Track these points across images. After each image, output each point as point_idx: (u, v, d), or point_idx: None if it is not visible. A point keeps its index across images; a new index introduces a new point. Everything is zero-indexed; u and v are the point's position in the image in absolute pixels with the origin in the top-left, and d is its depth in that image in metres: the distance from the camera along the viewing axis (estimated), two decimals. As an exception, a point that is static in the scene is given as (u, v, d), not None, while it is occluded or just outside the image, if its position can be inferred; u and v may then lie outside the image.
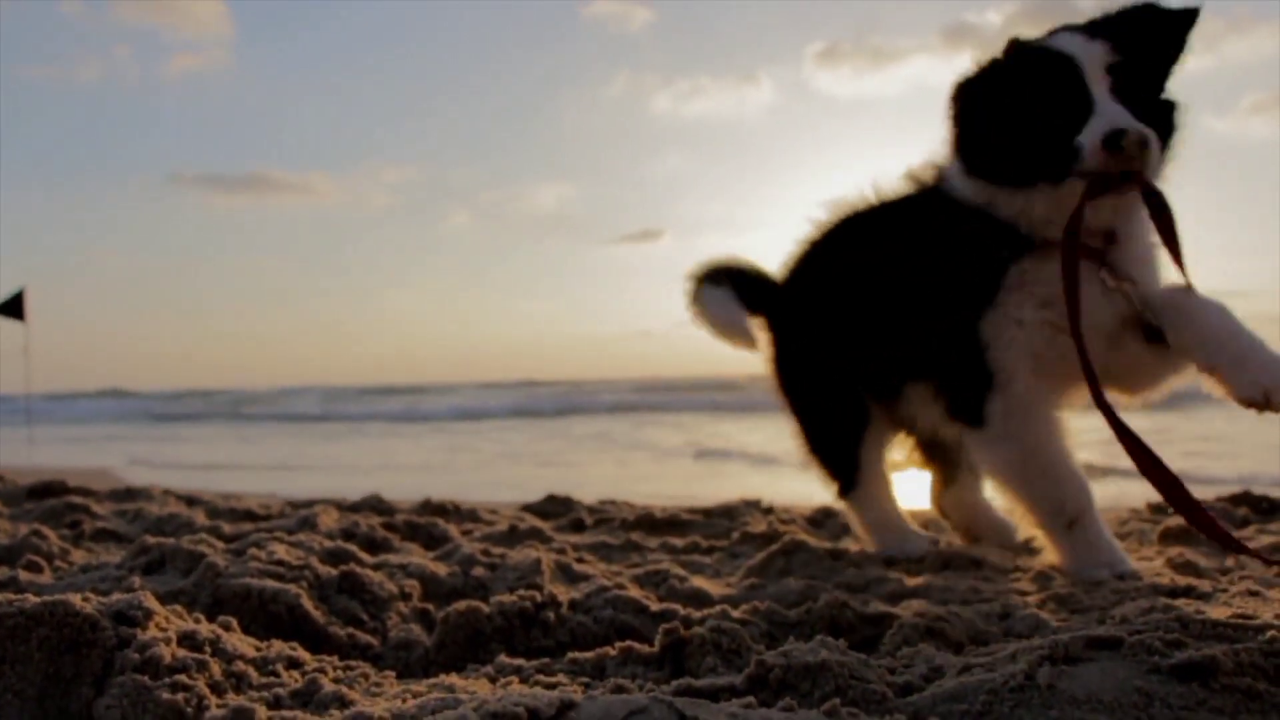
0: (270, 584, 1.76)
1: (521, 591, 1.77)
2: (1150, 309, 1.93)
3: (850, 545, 2.48)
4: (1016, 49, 1.97)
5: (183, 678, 1.26)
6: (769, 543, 2.40)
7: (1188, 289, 1.93)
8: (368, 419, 18.75)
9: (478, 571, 2.05)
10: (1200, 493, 3.29)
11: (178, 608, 1.52)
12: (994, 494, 2.50)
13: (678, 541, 2.70)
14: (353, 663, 1.52)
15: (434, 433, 13.59)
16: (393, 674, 1.49)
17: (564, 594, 1.80)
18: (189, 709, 1.22)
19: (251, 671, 1.36)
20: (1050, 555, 2.08)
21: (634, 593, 1.84)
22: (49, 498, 3.34)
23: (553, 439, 11.72)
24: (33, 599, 1.30)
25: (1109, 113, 1.83)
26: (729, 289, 2.58)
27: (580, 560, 2.26)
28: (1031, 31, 2.05)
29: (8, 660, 1.25)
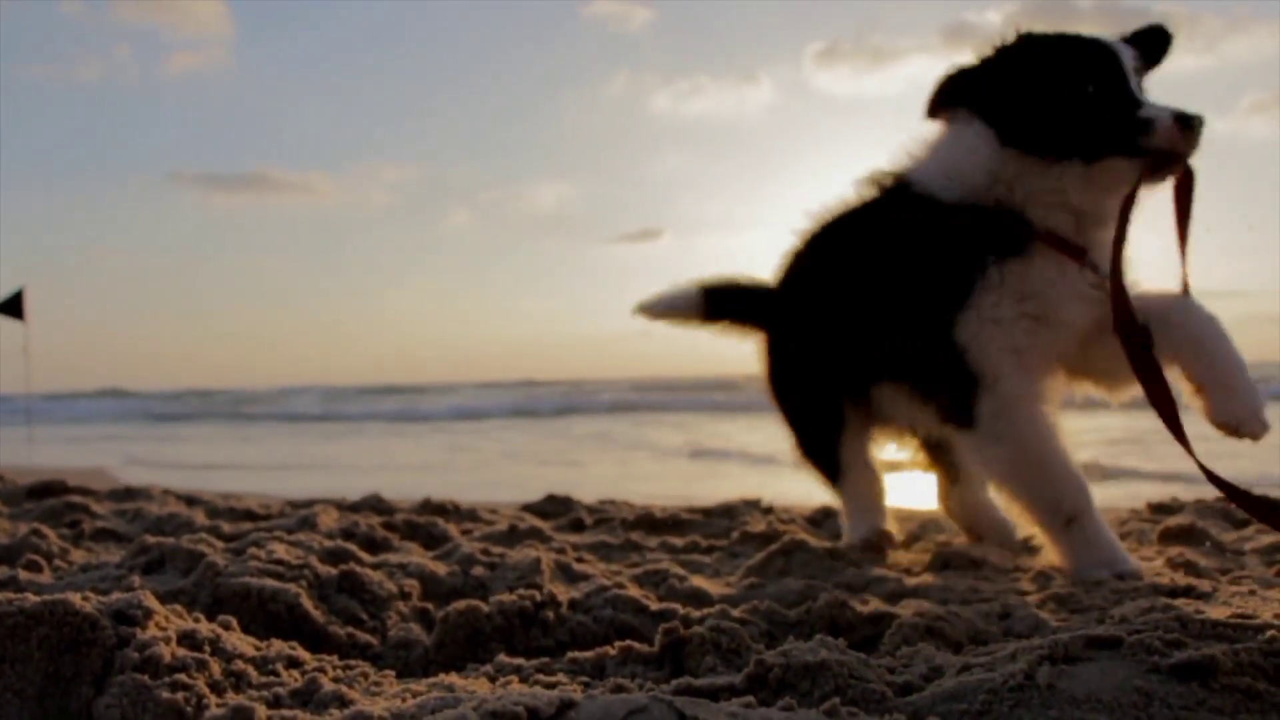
0: (270, 583, 1.76)
1: (521, 591, 1.77)
2: (1141, 311, 1.95)
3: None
4: (1057, 36, 2.05)
5: (182, 677, 1.26)
6: (769, 542, 2.40)
7: (1186, 298, 1.96)
8: (368, 419, 18.75)
9: (477, 571, 2.05)
10: (1201, 493, 3.29)
11: (177, 607, 1.52)
12: (997, 494, 2.51)
13: (677, 541, 2.70)
14: (352, 662, 1.52)
15: (434, 433, 13.59)
16: (392, 673, 1.49)
17: (564, 593, 1.80)
18: (189, 708, 1.22)
19: (251, 671, 1.36)
20: (1051, 555, 2.07)
21: (634, 592, 1.84)
22: (49, 497, 3.34)
23: (553, 439, 11.72)
24: (32, 598, 1.30)
25: (1155, 103, 1.95)
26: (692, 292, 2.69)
27: (580, 560, 2.27)
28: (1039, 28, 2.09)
29: (7, 659, 1.25)
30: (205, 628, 1.42)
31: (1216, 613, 1.30)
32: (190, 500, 3.54)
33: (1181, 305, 1.96)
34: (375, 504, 3.17)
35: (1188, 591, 1.74)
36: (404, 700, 1.24)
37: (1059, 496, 2.00)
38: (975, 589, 1.93)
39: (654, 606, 1.77)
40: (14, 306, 11.61)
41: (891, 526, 2.50)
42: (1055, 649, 1.19)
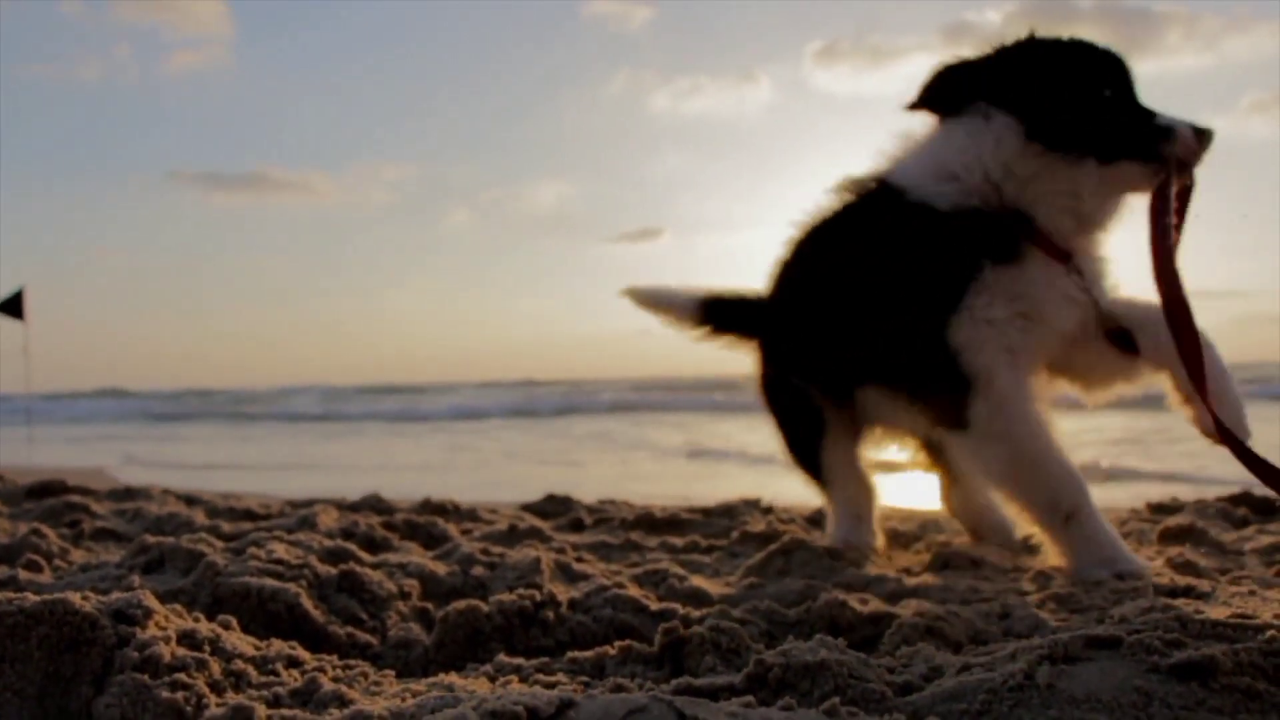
0: (269, 583, 1.76)
1: (521, 591, 1.77)
2: (1125, 319, 2.04)
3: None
4: (1070, 40, 2.08)
5: (182, 676, 1.26)
6: (768, 542, 2.40)
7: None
8: (368, 419, 18.75)
9: (477, 571, 2.05)
10: (1200, 493, 3.30)
11: (177, 606, 1.52)
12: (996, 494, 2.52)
13: (677, 541, 2.70)
14: (352, 662, 1.52)
15: (434, 433, 13.59)
16: (392, 673, 1.49)
17: (563, 593, 1.80)
18: (188, 707, 1.22)
19: (251, 670, 1.36)
20: (1051, 554, 2.07)
21: (633, 592, 1.84)
22: (48, 497, 3.34)
23: (553, 439, 11.72)
24: (32, 598, 1.30)
25: (1168, 116, 2.02)
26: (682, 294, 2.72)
27: (580, 560, 2.27)
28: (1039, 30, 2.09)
29: (7, 659, 1.25)
30: (205, 627, 1.43)
31: (1216, 613, 1.30)
32: (190, 500, 3.54)
33: (1148, 314, 2.03)
34: (375, 504, 3.17)
35: (1188, 591, 1.74)
36: (404, 700, 1.24)
37: (1056, 493, 2.00)
38: (975, 589, 1.93)
39: (654, 606, 1.77)
40: (14, 306, 11.62)
41: (877, 534, 2.48)
42: (1055, 649, 1.19)
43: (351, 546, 2.09)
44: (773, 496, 3.49)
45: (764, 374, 2.58)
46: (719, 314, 2.66)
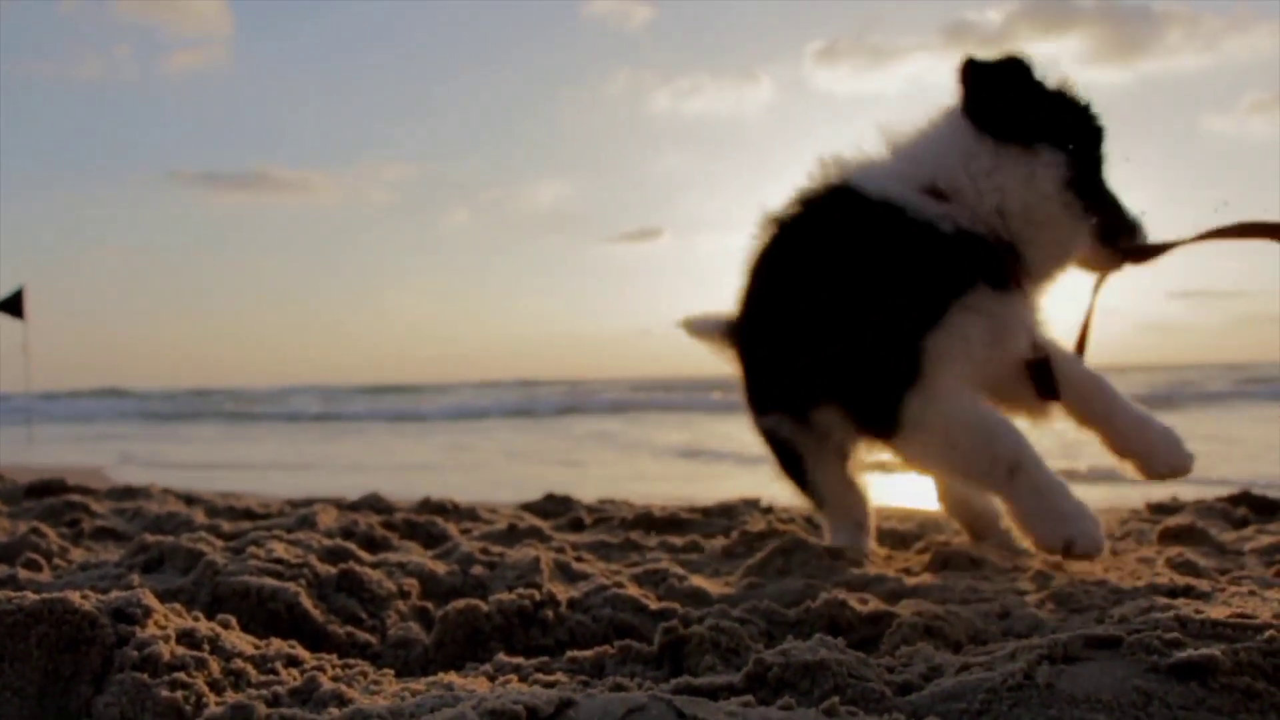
0: (269, 582, 1.76)
1: (520, 590, 1.77)
2: (1060, 370, 2.15)
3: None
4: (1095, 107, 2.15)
5: (182, 675, 1.26)
6: (768, 542, 2.40)
7: (1079, 361, 2.21)
8: (367, 418, 18.75)
9: (476, 570, 2.05)
10: (1200, 493, 3.30)
11: (177, 606, 1.52)
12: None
13: (677, 540, 2.70)
14: (351, 661, 1.52)
15: (434, 432, 13.59)
16: (391, 672, 1.49)
17: (563, 593, 1.80)
18: (188, 707, 1.22)
19: (250, 669, 1.36)
20: (1010, 521, 2.05)
21: (633, 591, 1.84)
22: (48, 496, 3.34)
23: (553, 439, 11.72)
24: (32, 597, 1.30)
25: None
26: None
27: (579, 559, 2.26)
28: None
29: (7, 658, 1.25)
30: (204, 626, 1.43)
31: (1216, 613, 1.30)
32: (189, 499, 3.54)
33: (1083, 373, 2.17)
34: (374, 503, 3.17)
35: (1187, 591, 1.74)
36: (403, 699, 1.24)
37: (995, 446, 1.97)
38: (974, 589, 1.93)
39: (653, 606, 1.77)
40: (14, 305, 11.62)
41: (871, 539, 2.47)
42: (1054, 648, 1.19)
43: (351, 546, 2.09)
44: (772, 496, 3.49)
45: (746, 390, 2.52)
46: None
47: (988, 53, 2.12)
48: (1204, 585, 1.78)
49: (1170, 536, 2.45)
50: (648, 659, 1.46)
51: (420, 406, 22.79)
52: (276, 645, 1.48)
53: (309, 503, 3.31)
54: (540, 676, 1.40)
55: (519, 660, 1.49)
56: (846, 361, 2.08)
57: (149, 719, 1.21)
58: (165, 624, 1.38)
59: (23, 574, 2.00)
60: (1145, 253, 2.17)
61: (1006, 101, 2.08)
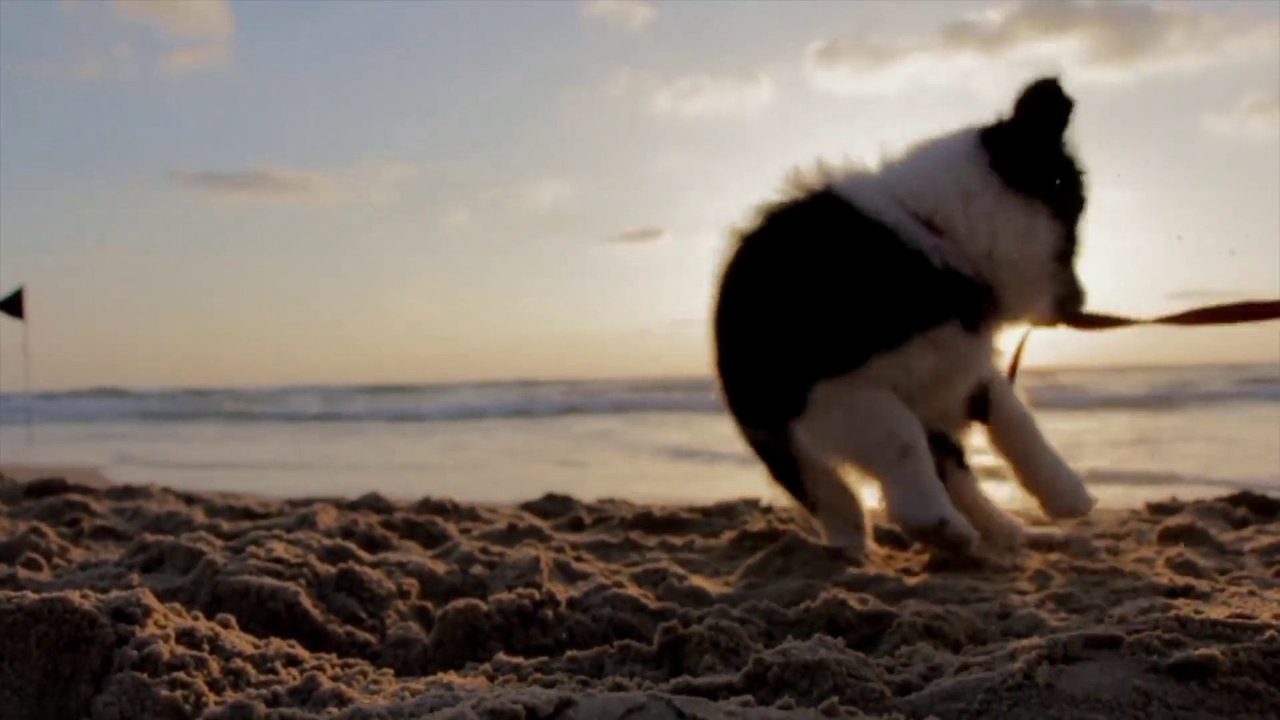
0: (269, 582, 1.76)
1: (520, 590, 1.77)
2: (995, 405, 2.23)
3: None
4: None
5: (181, 675, 1.26)
6: (768, 541, 2.40)
7: (1009, 389, 2.29)
8: (367, 418, 18.75)
9: (476, 570, 2.05)
10: (1200, 493, 3.30)
11: (176, 605, 1.52)
12: (990, 490, 2.53)
13: (676, 540, 2.70)
14: (351, 660, 1.52)
15: (433, 432, 13.59)
16: (391, 672, 1.49)
17: (562, 592, 1.80)
18: (187, 706, 1.22)
19: (250, 669, 1.36)
20: (879, 498, 2.13)
21: (632, 591, 1.84)
22: (48, 495, 3.34)
23: (553, 439, 11.72)
24: (31, 596, 1.30)
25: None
26: None
27: (579, 559, 2.26)
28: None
29: (6, 657, 1.25)
30: (204, 626, 1.43)
31: (1216, 613, 1.30)
32: (189, 499, 3.54)
33: (1014, 407, 2.25)
34: (374, 503, 3.17)
35: (1187, 591, 1.74)
36: (403, 699, 1.24)
37: (892, 429, 2.04)
38: (974, 588, 1.93)
39: (653, 605, 1.77)
40: (14, 305, 11.61)
41: (870, 539, 2.47)
42: (1054, 648, 1.19)
43: (351, 545, 2.09)
44: (772, 497, 3.48)
45: (728, 403, 2.46)
46: None
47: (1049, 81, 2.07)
48: (1204, 585, 1.78)
49: (1170, 536, 2.45)
50: (647, 659, 1.46)
51: (420, 406, 22.79)
52: (276, 645, 1.48)
53: (309, 502, 3.31)
54: (540, 676, 1.40)
55: (518, 660, 1.49)
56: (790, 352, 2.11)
57: (148, 718, 1.21)
58: (165, 623, 1.38)
59: (22, 573, 2.00)
60: (1094, 323, 2.22)
61: (1033, 150, 2.08)
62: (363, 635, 1.71)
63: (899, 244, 2.03)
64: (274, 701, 1.26)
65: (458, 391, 32.11)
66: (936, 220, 2.05)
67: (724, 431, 2.46)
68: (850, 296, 2.04)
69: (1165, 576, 1.91)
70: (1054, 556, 2.25)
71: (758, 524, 2.82)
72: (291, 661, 1.44)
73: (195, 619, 1.48)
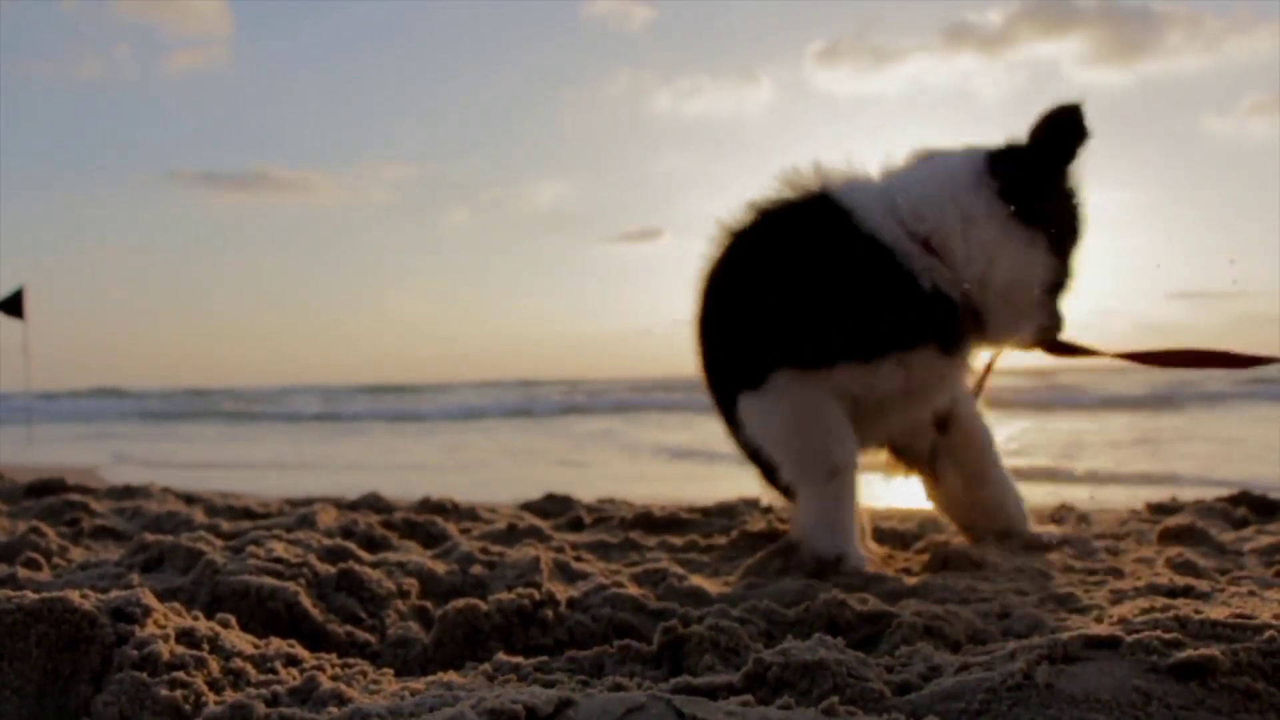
0: (269, 581, 1.76)
1: (520, 589, 1.77)
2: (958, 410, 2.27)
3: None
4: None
5: (181, 675, 1.26)
6: (768, 541, 2.40)
7: (974, 409, 2.33)
8: (367, 418, 18.75)
9: (476, 569, 2.05)
10: (1200, 493, 3.30)
11: (176, 605, 1.52)
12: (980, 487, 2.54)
13: (676, 540, 2.70)
14: (351, 660, 1.52)
15: (433, 432, 13.59)
16: (391, 671, 1.49)
17: (562, 592, 1.80)
18: (187, 706, 1.22)
19: (250, 669, 1.36)
20: (795, 512, 2.15)
21: (632, 591, 1.84)
22: (47, 495, 3.34)
23: (553, 439, 11.72)
24: (31, 596, 1.30)
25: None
26: None
27: (579, 559, 2.26)
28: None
29: (6, 657, 1.25)
30: (204, 626, 1.43)
31: (1215, 613, 1.30)
32: (189, 498, 3.54)
33: (975, 424, 2.28)
34: (374, 502, 3.17)
35: (1187, 591, 1.74)
36: (402, 698, 1.24)
37: (831, 446, 2.06)
38: (974, 588, 1.93)
39: (653, 605, 1.77)
40: (14, 305, 11.61)
41: (868, 538, 2.46)
42: (1054, 648, 1.19)
43: (350, 545, 2.09)
44: (772, 496, 3.48)
45: (717, 407, 2.48)
46: None
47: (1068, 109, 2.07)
48: (1204, 585, 1.78)
49: (1170, 536, 2.45)
50: (647, 658, 1.46)
51: (420, 406, 22.78)
52: (276, 644, 1.48)
53: (309, 502, 3.31)
54: (539, 676, 1.40)
55: (518, 660, 1.49)
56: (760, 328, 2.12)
57: (148, 718, 1.21)
58: (165, 623, 1.38)
59: (22, 573, 2.00)
60: (1066, 350, 2.21)
61: (1043, 181, 2.07)
62: (363, 635, 1.71)
63: (891, 261, 2.01)
64: (274, 701, 1.26)
65: (458, 391, 32.10)
66: (933, 241, 2.03)
67: (724, 431, 2.45)
68: (835, 300, 2.04)
69: (1165, 576, 1.91)
70: (1054, 556, 2.25)
71: (758, 524, 2.82)
72: (291, 661, 1.44)
73: (195, 619, 1.48)
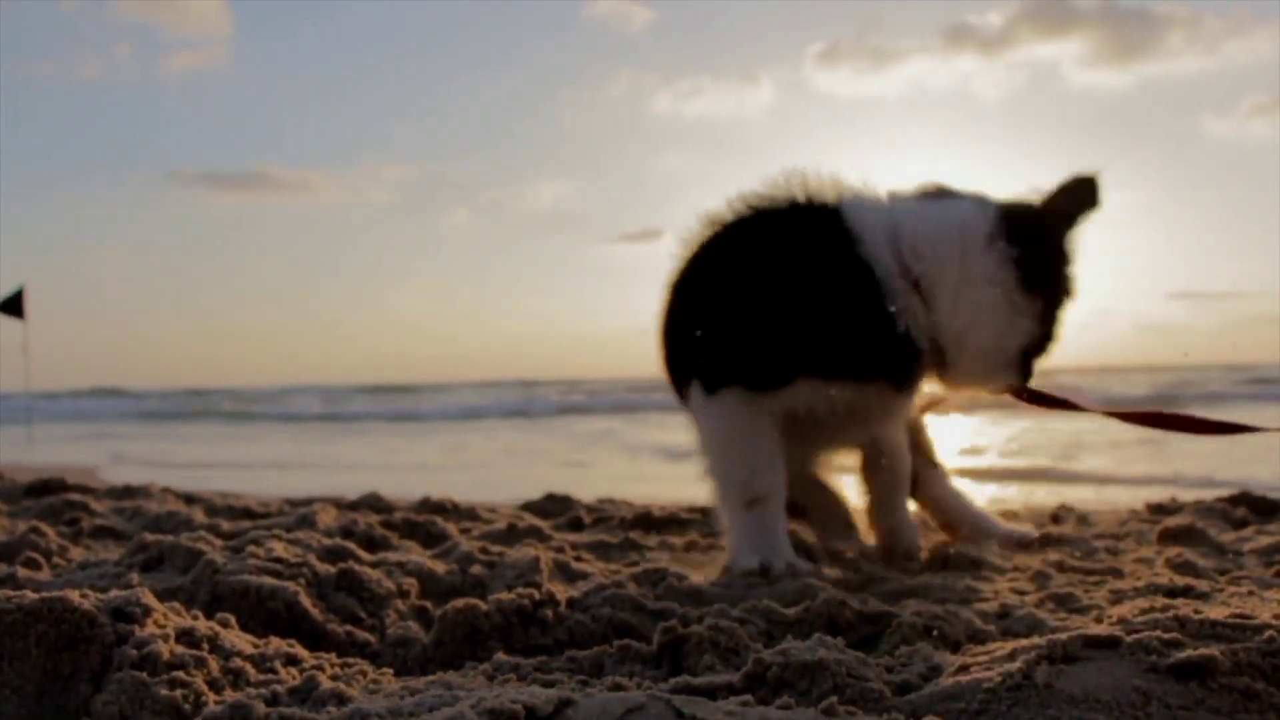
0: (268, 581, 1.76)
1: (520, 589, 1.77)
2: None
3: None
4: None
5: (181, 674, 1.26)
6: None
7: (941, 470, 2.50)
8: (367, 418, 18.74)
9: (476, 569, 2.05)
10: (1200, 493, 3.30)
11: (176, 605, 1.52)
12: (963, 487, 2.55)
13: (676, 540, 2.70)
14: (350, 660, 1.52)
15: (433, 432, 13.58)
16: (390, 671, 1.49)
17: (562, 592, 1.80)
18: (187, 705, 1.22)
19: (249, 668, 1.36)
20: (724, 540, 2.17)
21: (632, 591, 1.84)
22: (47, 495, 3.34)
23: (552, 439, 11.72)
24: (31, 595, 1.30)
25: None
26: None
27: (579, 558, 2.27)
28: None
29: (6, 656, 1.25)
30: (204, 625, 1.43)
31: (1215, 613, 1.30)
32: (189, 498, 3.54)
33: (890, 441, 2.28)
34: (374, 502, 3.17)
35: (1186, 591, 1.74)
36: (402, 698, 1.24)
37: (753, 475, 2.08)
38: (974, 588, 1.93)
39: (652, 605, 1.77)
40: (14, 305, 11.60)
41: (863, 537, 2.46)
42: (1053, 649, 1.19)
43: (350, 545, 2.09)
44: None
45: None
46: None
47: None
48: (1203, 585, 1.78)
49: (1170, 537, 2.45)
50: (647, 658, 1.46)
51: (420, 406, 22.77)
52: (275, 644, 1.48)
53: (308, 502, 3.31)
54: (539, 676, 1.40)
55: (518, 659, 1.49)
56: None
57: (148, 717, 1.21)
58: (164, 623, 1.38)
59: (22, 573, 2.00)
60: (1039, 400, 2.19)
61: (1051, 250, 2.07)
62: (362, 635, 1.71)
63: (877, 292, 1.98)
64: (273, 701, 1.26)
65: (458, 391, 32.08)
66: (923, 283, 2.00)
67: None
68: (811, 313, 2.02)
69: (1165, 576, 1.91)
70: (1054, 556, 2.25)
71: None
72: (291, 661, 1.44)
73: (195, 618, 1.48)
